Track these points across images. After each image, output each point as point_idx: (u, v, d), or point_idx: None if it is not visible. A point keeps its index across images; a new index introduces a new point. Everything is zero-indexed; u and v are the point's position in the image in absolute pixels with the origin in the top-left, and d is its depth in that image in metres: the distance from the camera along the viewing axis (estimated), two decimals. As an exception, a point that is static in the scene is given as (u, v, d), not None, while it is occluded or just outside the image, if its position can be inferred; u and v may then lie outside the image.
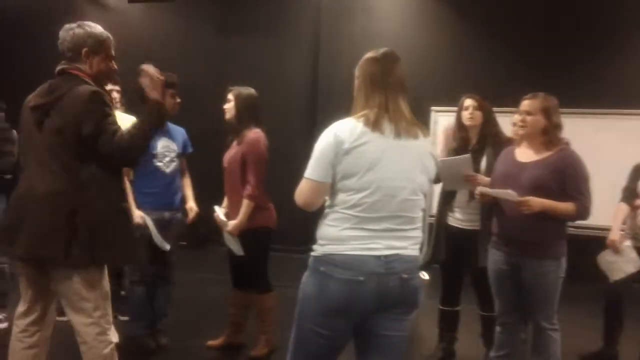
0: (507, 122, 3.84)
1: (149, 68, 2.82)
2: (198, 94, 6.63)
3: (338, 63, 7.31)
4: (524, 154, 3.39)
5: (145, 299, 4.20)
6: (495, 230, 3.47)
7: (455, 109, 4.05)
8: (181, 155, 4.31)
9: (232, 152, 4.05)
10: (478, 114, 3.90)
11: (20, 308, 2.96)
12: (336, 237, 2.27)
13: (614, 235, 4.14)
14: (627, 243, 4.15)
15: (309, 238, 2.49)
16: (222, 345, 4.30)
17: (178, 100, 4.18)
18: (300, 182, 2.35)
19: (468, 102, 3.93)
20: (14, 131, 4.56)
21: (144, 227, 4.01)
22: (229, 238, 4.03)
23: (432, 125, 7.08)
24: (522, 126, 3.34)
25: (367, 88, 2.34)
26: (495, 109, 4.03)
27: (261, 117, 4.12)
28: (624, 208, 4.22)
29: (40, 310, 2.93)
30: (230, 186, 4.08)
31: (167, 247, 4.10)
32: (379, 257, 2.24)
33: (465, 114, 3.92)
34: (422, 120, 2.43)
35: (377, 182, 2.24)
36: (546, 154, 3.30)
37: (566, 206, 3.20)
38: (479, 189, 3.44)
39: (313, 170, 2.29)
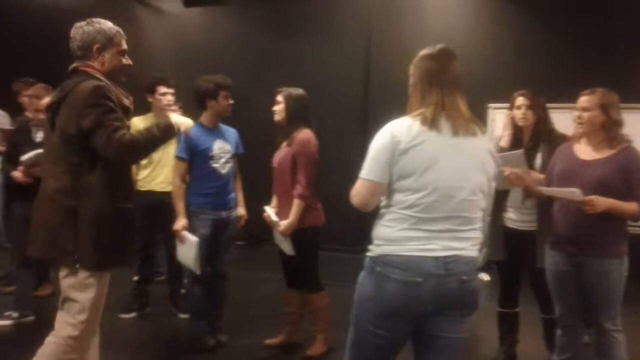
0: (568, 119, 3.73)
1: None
2: (251, 96, 6.70)
3: (389, 63, 7.26)
4: (585, 152, 3.30)
5: (204, 297, 4.27)
6: (554, 230, 3.38)
7: None
8: (234, 156, 4.37)
9: (282, 153, 4.08)
10: (530, 113, 3.82)
11: None
12: (393, 237, 2.25)
13: None
14: None
15: (364, 238, 2.48)
16: (280, 344, 4.33)
17: (231, 101, 4.24)
18: (354, 182, 2.33)
19: (520, 100, 3.85)
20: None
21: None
22: (280, 238, 4.06)
23: (490, 122, 6.96)
24: (579, 123, 3.26)
25: (423, 85, 2.30)
26: (555, 105, 3.92)
27: (310, 118, 4.14)
28: None
29: None
30: (280, 186, 4.11)
31: (199, 271, 4.14)
32: (437, 258, 2.21)
33: (518, 114, 3.85)
34: (479, 118, 2.37)
35: (435, 182, 2.21)
36: (610, 152, 3.20)
37: (630, 206, 3.12)
38: (540, 189, 3.36)
39: (369, 170, 2.27)
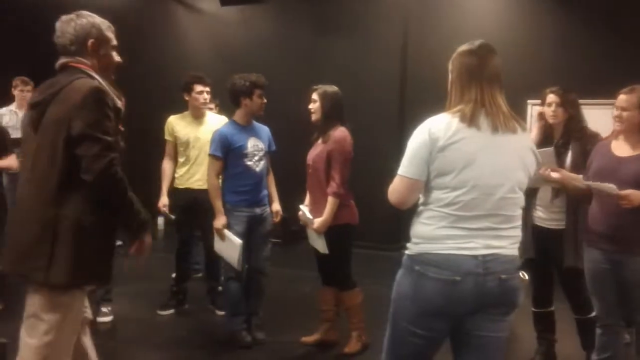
0: (607, 115, 3.66)
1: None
2: (287, 93, 6.72)
3: (426, 60, 7.21)
4: (621, 149, 3.29)
5: (241, 294, 4.31)
6: (592, 226, 3.36)
7: None
8: (267, 153, 4.40)
9: (317, 150, 4.09)
10: (560, 110, 3.76)
11: None
12: (431, 235, 2.23)
13: None
14: None
15: (401, 236, 2.47)
16: (316, 342, 4.33)
17: (264, 100, 4.27)
18: (391, 179, 2.32)
19: (550, 97, 3.79)
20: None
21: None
22: (314, 236, 4.07)
23: (529, 118, 6.85)
24: (618, 122, 3.25)
25: (463, 81, 2.27)
26: (595, 101, 3.85)
27: (346, 115, 4.14)
28: None
29: None
30: (314, 184, 4.12)
31: (239, 268, 4.18)
32: (476, 256, 2.19)
33: (548, 111, 3.80)
34: (518, 114, 2.34)
35: (474, 179, 2.18)
36: None
37: None
38: (586, 183, 3.32)
39: (407, 167, 2.25)
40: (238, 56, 8.22)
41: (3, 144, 4.55)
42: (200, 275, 5.59)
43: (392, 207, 2.36)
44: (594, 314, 3.76)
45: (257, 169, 4.30)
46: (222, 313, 4.85)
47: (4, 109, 6.37)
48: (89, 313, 2.78)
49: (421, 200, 2.32)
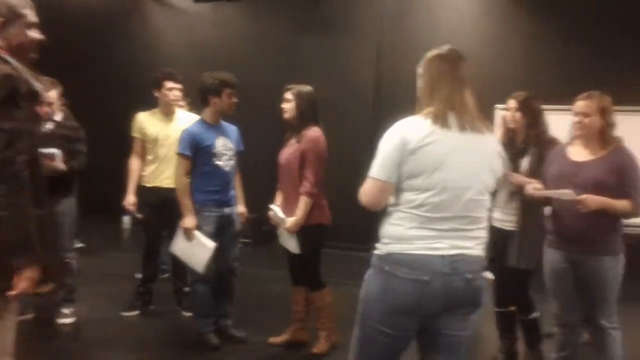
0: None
1: None
2: (262, 93, 6.70)
3: (400, 62, 7.27)
4: (579, 154, 3.37)
5: (208, 295, 4.28)
6: (551, 228, 3.45)
7: None
8: (236, 153, 4.38)
9: (290, 150, 4.09)
10: (518, 115, 3.85)
11: None
12: (401, 236, 2.26)
13: None
14: None
15: (372, 236, 2.48)
16: (285, 342, 4.33)
17: (235, 100, 4.24)
18: (363, 181, 2.34)
19: (510, 103, 3.91)
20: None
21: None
22: (286, 236, 4.07)
23: (497, 123, 6.95)
24: (579, 127, 3.32)
25: (433, 85, 2.31)
26: (561, 106, 3.92)
27: (319, 116, 4.15)
28: None
29: None
30: (287, 183, 4.11)
31: (204, 271, 4.15)
32: (443, 256, 2.22)
33: (507, 115, 3.91)
34: (486, 119, 2.39)
35: (444, 182, 2.22)
36: (602, 153, 3.29)
37: (622, 204, 3.20)
38: (533, 192, 3.42)
39: (378, 169, 2.28)
40: (211, 54, 8.18)
41: None
42: (166, 275, 5.53)
43: (363, 208, 2.38)
44: (536, 314, 3.90)
45: (227, 169, 4.28)
46: (188, 314, 4.80)
47: None
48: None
49: (392, 201, 2.34)
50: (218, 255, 4.19)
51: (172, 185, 4.60)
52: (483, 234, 2.35)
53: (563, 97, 4.04)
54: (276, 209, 4.11)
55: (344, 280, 4.61)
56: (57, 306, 4.64)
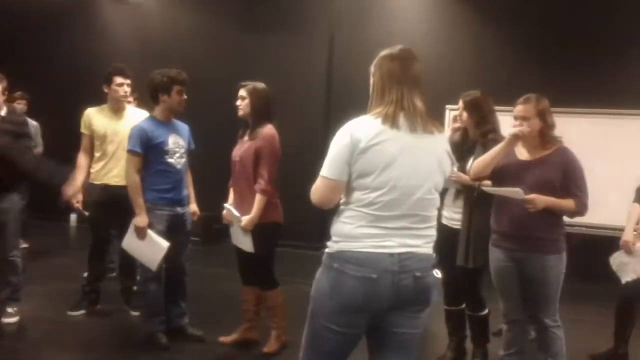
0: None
1: None
2: (212, 89, 6.64)
3: (351, 61, 7.32)
4: (522, 153, 3.45)
5: (159, 295, 4.22)
6: (495, 227, 3.50)
7: None
8: (187, 151, 4.34)
9: (244, 147, 4.06)
10: (465, 114, 3.92)
11: None
12: (350, 234, 2.27)
13: (628, 236, 4.12)
14: None
15: (324, 235, 2.49)
16: (235, 341, 4.30)
17: (184, 97, 4.20)
18: (314, 179, 2.35)
19: (459, 102, 3.97)
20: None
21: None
22: (240, 235, 4.03)
23: (447, 123, 7.06)
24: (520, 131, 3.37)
25: (384, 85, 2.33)
26: (510, 107, 4.01)
27: (273, 113, 4.14)
28: (638, 209, 4.21)
29: None
30: (241, 181, 4.08)
31: (156, 269, 4.13)
32: (392, 254, 2.24)
33: (457, 114, 4.00)
34: (436, 119, 2.42)
35: (393, 180, 2.24)
36: (545, 153, 3.37)
37: (567, 202, 3.29)
38: (484, 188, 3.48)
39: (329, 168, 2.29)
40: (160, 49, 8.06)
41: None
42: (114, 274, 5.43)
43: (315, 207, 2.39)
44: (485, 311, 3.97)
45: (178, 167, 4.22)
46: (136, 313, 4.74)
47: None
48: None
49: (342, 200, 2.36)
50: (169, 255, 4.13)
51: (120, 183, 4.53)
52: (432, 232, 2.38)
53: (512, 98, 4.14)
54: (230, 208, 4.08)
55: (295, 279, 4.62)
56: (1, 305, 4.51)
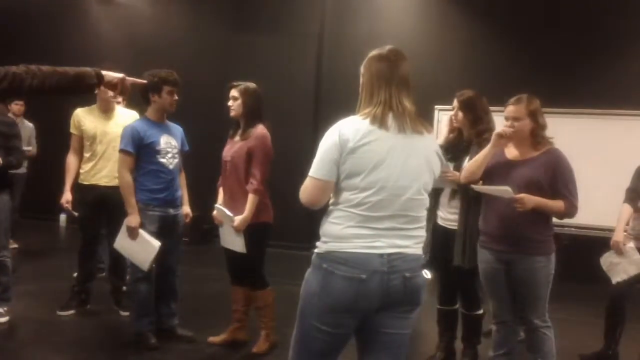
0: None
1: None
2: (202, 90, 6.63)
3: (341, 61, 7.34)
4: (512, 153, 3.44)
5: (150, 296, 4.21)
6: (483, 228, 3.50)
7: None
8: (180, 152, 4.33)
9: (235, 147, 4.05)
10: (460, 114, 3.91)
11: None
12: (339, 234, 2.27)
13: (618, 236, 4.14)
14: (631, 244, 4.15)
15: (313, 235, 2.49)
16: (225, 341, 4.29)
17: (175, 97, 4.18)
18: (304, 179, 2.35)
19: (454, 102, 3.96)
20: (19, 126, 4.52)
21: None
22: (231, 235, 4.01)
23: (436, 123, 7.09)
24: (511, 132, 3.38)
25: (372, 85, 2.33)
26: (499, 107, 4.02)
27: (264, 113, 4.14)
28: (628, 209, 4.22)
29: None
30: (232, 181, 4.07)
31: (148, 269, 4.11)
32: (381, 255, 2.24)
33: (452, 114, 3.97)
34: (425, 119, 2.42)
35: (382, 181, 2.24)
36: (535, 153, 3.36)
37: (556, 204, 3.27)
38: (473, 187, 3.46)
39: (317, 168, 2.29)
40: (150, 49, 8.04)
41: None
42: (104, 274, 5.41)
43: (305, 207, 2.39)
44: (480, 311, 3.97)
45: (170, 167, 4.21)
46: (126, 313, 4.72)
47: None
48: None
49: (331, 200, 2.36)
50: (160, 256, 4.12)
51: (110, 184, 4.52)
52: (422, 232, 2.38)
53: (500, 98, 4.15)
54: (222, 208, 4.06)
55: (285, 280, 4.61)
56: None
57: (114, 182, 4.43)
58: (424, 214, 2.38)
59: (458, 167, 3.82)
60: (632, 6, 6.99)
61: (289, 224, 5.53)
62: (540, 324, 3.39)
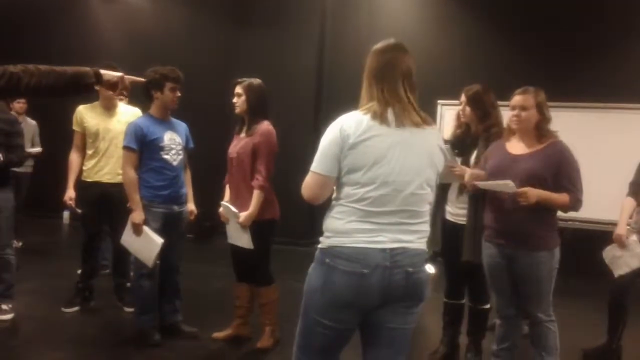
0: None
1: None
2: (202, 86, 6.62)
3: (343, 57, 7.33)
4: (516, 147, 3.42)
5: (153, 292, 4.21)
6: (488, 223, 3.49)
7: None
8: (184, 149, 4.33)
9: (241, 143, 4.05)
10: (468, 109, 3.88)
11: None
12: (342, 229, 2.27)
13: (621, 229, 4.13)
14: (634, 238, 4.14)
15: (316, 231, 2.50)
16: (228, 337, 4.30)
17: (178, 94, 4.18)
18: (306, 175, 2.35)
19: (462, 96, 3.94)
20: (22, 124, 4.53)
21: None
22: (238, 232, 4.01)
23: (439, 118, 7.09)
24: (516, 121, 3.37)
25: (375, 79, 2.32)
26: (504, 102, 4.01)
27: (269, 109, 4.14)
28: (631, 203, 4.21)
29: None
30: (238, 177, 4.07)
31: (152, 266, 4.11)
32: (384, 250, 2.24)
33: (460, 109, 3.95)
34: (428, 113, 2.41)
35: (383, 176, 2.23)
36: (539, 146, 3.34)
37: (561, 197, 3.25)
38: (475, 183, 3.44)
39: (319, 164, 2.29)
40: (150, 46, 8.04)
41: None
42: (107, 271, 5.42)
43: (306, 203, 2.39)
44: (487, 305, 3.97)
45: (175, 163, 4.21)
46: (130, 310, 4.73)
47: None
48: None
49: (333, 195, 2.36)
50: (163, 253, 4.12)
51: (112, 180, 4.52)
52: (425, 227, 2.37)
53: (504, 92, 4.15)
54: (228, 205, 4.06)
55: (288, 276, 4.61)
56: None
57: (117, 179, 4.44)
58: (427, 208, 2.37)
59: (466, 162, 3.81)
60: (631, 1, 6.96)
61: (291, 220, 5.52)
62: (545, 318, 3.39)
